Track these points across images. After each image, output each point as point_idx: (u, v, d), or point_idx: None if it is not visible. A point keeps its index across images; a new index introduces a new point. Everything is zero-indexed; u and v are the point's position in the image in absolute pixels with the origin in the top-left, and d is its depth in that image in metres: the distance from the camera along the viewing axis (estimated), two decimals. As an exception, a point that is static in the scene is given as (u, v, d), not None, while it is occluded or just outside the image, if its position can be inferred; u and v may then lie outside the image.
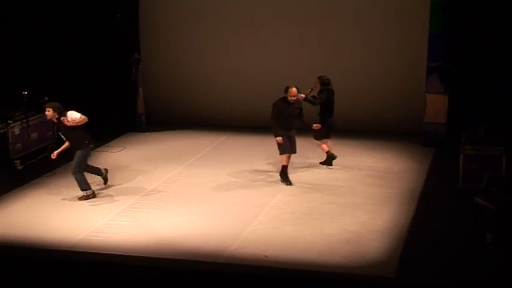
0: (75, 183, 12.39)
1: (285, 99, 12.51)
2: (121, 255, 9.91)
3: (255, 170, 13.53)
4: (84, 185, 12.00)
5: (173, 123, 16.67)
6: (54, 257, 9.91)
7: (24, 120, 14.06)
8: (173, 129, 16.44)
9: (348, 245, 10.14)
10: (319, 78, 13.42)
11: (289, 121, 12.60)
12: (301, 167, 13.51)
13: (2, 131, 13.62)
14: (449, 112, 14.84)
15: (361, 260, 9.66)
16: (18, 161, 13.78)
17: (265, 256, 9.78)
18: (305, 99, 13.08)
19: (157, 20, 16.76)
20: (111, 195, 12.07)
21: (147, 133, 16.35)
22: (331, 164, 13.49)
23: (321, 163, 13.60)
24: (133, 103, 16.40)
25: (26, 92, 14.16)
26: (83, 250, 10.06)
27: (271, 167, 13.70)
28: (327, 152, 13.48)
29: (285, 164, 12.71)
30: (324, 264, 9.54)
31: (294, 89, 12.44)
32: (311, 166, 13.49)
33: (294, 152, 12.83)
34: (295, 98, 12.48)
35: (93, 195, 12.02)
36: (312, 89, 13.31)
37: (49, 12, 16.23)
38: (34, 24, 16.11)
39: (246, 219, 11.09)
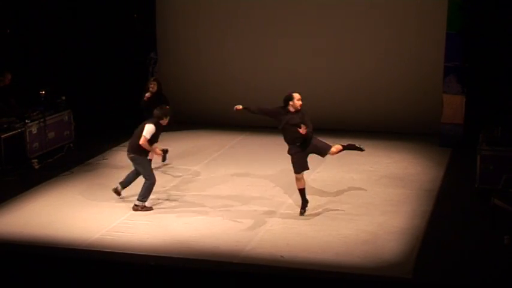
0: (92, 183, 12.53)
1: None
2: (137, 254, 9.93)
3: (271, 170, 13.51)
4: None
5: (189, 122, 16.67)
6: (70, 256, 9.94)
7: (42, 120, 14.11)
8: (189, 128, 16.44)
9: (364, 245, 10.11)
10: (155, 80, 13.63)
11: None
12: (316, 167, 13.49)
13: (19, 130, 13.70)
14: (467, 112, 14.76)
15: (378, 261, 9.64)
16: (36, 160, 13.84)
17: (282, 256, 9.77)
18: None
19: (173, 20, 16.79)
20: (128, 195, 12.09)
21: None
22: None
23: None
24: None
25: (43, 92, 14.22)
26: (99, 249, 10.09)
27: (288, 166, 13.66)
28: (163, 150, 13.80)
29: None
30: (341, 265, 9.53)
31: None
32: (326, 166, 13.45)
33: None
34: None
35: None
36: (150, 91, 13.41)
37: (66, 13, 16.31)
38: (52, 24, 16.19)
39: (262, 219, 11.09)
